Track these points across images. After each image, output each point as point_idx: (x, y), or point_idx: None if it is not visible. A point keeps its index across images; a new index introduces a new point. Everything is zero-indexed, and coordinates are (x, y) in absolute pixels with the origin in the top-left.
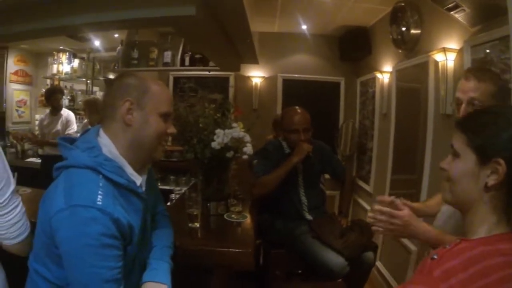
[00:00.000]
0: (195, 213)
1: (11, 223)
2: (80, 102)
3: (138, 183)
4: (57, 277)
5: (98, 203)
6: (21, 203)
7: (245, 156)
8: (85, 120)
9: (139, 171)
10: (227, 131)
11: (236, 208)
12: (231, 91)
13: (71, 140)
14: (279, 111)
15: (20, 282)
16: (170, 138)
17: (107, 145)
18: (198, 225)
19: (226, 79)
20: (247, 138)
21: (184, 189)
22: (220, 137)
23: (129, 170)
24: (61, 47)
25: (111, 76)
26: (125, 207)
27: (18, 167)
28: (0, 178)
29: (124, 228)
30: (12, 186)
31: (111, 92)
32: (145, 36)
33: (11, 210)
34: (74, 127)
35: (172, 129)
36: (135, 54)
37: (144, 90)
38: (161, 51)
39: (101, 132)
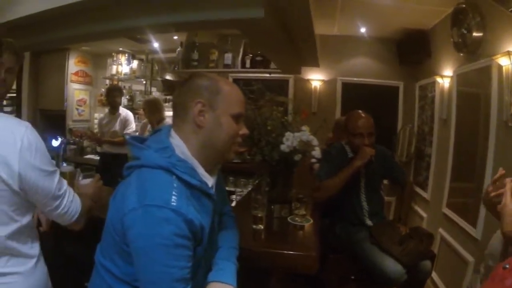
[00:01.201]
0: (259, 215)
1: (60, 213)
2: (139, 102)
3: (209, 184)
4: (125, 273)
5: (172, 203)
6: (68, 190)
7: (313, 160)
8: (144, 120)
9: (210, 172)
10: (296, 134)
11: (300, 211)
12: (290, 93)
13: (140, 139)
14: (338, 114)
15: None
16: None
17: (179, 145)
18: (262, 227)
19: (286, 81)
20: (315, 141)
21: (245, 190)
22: (290, 140)
23: (201, 171)
24: (120, 49)
25: (168, 77)
26: (197, 208)
27: (78, 163)
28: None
29: (196, 229)
30: (57, 175)
31: (182, 93)
32: (205, 38)
33: (60, 204)
34: (132, 126)
35: (244, 130)
36: (195, 55)
37: (216, 91)
38: (222, 53)
39: (173, 132)
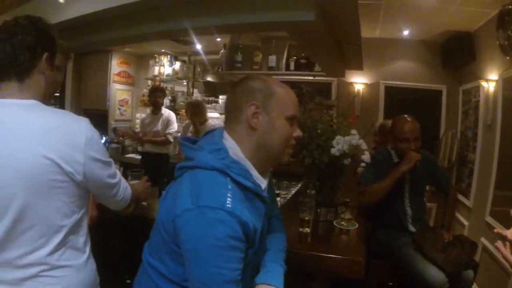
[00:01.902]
0: (307, 218)
1: (114, 199)
2: (181, 103)
3: (262, 186)
4: (174, 273)
5: (227, 205)
6: (122, 180)
7: (363, 164)
8: (187, 121)
9: (262, 174)
10: (346, 137)
11: (346, 215)
12: (333, 96)
13: (192, 140)
14: (380, 118)
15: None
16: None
17: (233, 147)
18: (308, 230)
19: (329, 84)
20: (364, 145)
21: (288, 193)
22: (340, 144)
23: (255, 173)
24: (162, 50)
25: (210, 79)
26: (250, 211)
27: (119, 162)
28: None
29: (250, 232)
30: (112, 167)
31: (236, 95)
32: (248, 40)
33: (116, 191)
34: (174, 126)
35: (298, 132)
36: (239, 57)
37: (269, 93)
38: (266, 55)
39: (226, 134)
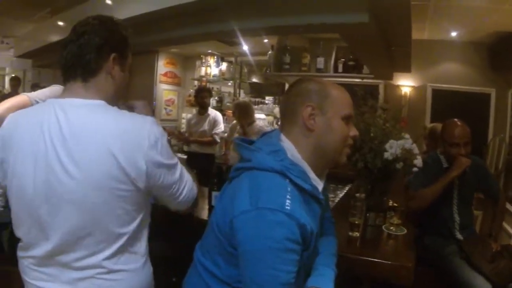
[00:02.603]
0: (357, 222)
1: (179, 201)
2: (227, 104)
3: (319, 188)
4: (226, 275)
5: (286, 207)
6: (189, 178)
7: (415, 169)
8: (234, 122)
9: (319, 176)
10: (399, 142)
11: (395, 220)
12: (380, 99)
13: (249, 141)
14: (427, 122)
15: None
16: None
17: (290, 149)
18: (358, 234)
19: (376, 87)
20: (416, 150)
21: (337, 197)
22: (394, 148)
23: (312, 175)
24: (209, 51)
25: (255, 80)
26: (307, 213)
27: None
28: (166, 171)
29: (307, 234)
30: (178, 171)
31: (291, 97)
32: (295, 41)
33: (180, 193)
34: (221, 127)
35: (354, 132)
36: (287, 59)
37: (325, 94)
38: (314, 57)
39: (282, 136)
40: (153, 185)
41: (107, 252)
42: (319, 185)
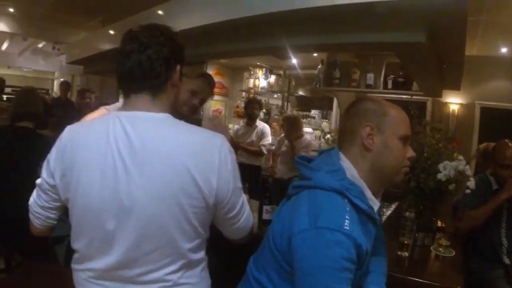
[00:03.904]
0: (406, 242)
1: (236, 228)
2: (275, 116)
3: (375, 208)
4: None
5: (345, 227)
6: (248, 207)
7: (467, 191)
8: (282, 135)
9: (375, 195)
10: (453, 163)
11: (443, 242)
12: (428, 116)
13: (307, 159)
14: (475, 141)
15: None
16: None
17: (349, 168)
18: (407, 254)
19: (424, 104)
20: (469, 171)
21: (384, 215)
22: (447, 169)
23: (369, 195)
24: (258, 63)
25: (301, 93)
26: (363, 233)
27: None
28: (232, 192)
29: (363, 254)
30: (243, 196)
31: (350, 116)
32: (345, 56)
33: (238, 219)
34: (268, 139)
35: (411, 153)
36: (337, 74)
37: (383, 114)
38: (363, 73)
39: (342, 155)
40: (220, 204)
41: (173, 267)
42: (376, 205)
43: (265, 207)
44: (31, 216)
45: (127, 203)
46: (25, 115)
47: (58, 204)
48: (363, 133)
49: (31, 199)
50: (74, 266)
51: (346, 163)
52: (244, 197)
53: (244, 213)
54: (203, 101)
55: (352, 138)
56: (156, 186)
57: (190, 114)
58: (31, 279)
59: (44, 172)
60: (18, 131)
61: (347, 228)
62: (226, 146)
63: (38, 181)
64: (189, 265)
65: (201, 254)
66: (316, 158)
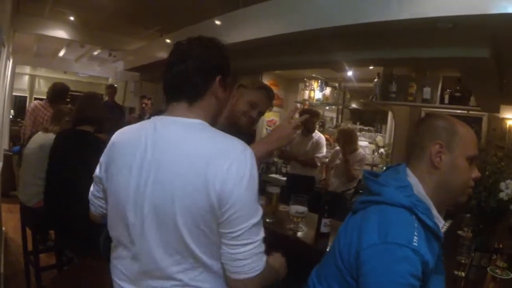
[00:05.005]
0: (463, 261)
1: (234, 257)
2: (329, 129)
3: (440, 226)
4: None
5: (414, 243)
6: (258, 243)
7: None
8: (337, 148)
9: (439, 213)
10: None
11: (501, 263)
12: (483, 132)
13: (374, 174)
14: None
15: None
16: None
17: (416, 185)
18: (463, 274)
19: (479, 119)
20: None
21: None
22: (510, 188)
23: (435, 212)
24: (313, 75)
25: (355, 106)
26: (429, 250)
27: (264, 181)
28: (239, 207)
29: (428, 271)
30: (255, 219)
31: (420, 132)
32: (401, 70)
33: (240, 245)
34: (323, 151)
35: (476, 173)
36: (393, 87)
37: (453, 132)
38: (420, 87)
39: (409, 171)
40: (223, 206)
41: (184, 266)
42: (440, 222)
43: (324, 220)
44: (90, 202)
45: (145, 199)
46: (87, 119)
47: (105, 194)
48: (432, 150)
49: (91, 187)
50: (111, 254)
51: (413, 179)
52: (259, 226)
53: (253, 249)
54: (261, 113)
55: (420, 155)
56: (169, 184)
57: (248, 126)
58: (81, 277)
59: (98, 165)
60: (80, 134)
61: (416, 244)
62: (249, 160)
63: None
64: (204, 269)
65: (219, 260)
66: (382, 173)
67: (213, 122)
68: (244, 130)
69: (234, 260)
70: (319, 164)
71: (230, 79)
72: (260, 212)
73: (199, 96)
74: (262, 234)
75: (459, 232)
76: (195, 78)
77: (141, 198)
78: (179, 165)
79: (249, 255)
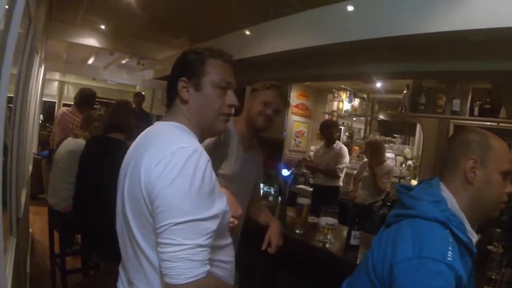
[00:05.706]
0: (493, 277)
1: (161, 257)
2: (357, 140)
3: (474, 241)
4: None
5: (448, 258)
6: (187, 247)
7: None
8: (365, 159)
9: (472, 228)
10: None
11: None
12: None
13: (407, 187)
14: None
15: None
16: None
17: (450, 199)
18: None
19: (510, 132)
20: None
21: None
22: None
23: (468, 227)
24: (342, 86)
25: (381, 117)
26: (462, 265)
27: (292, 192)
28: (161, 202)
29: (461, 286)
30: (180, 219)
31: (453, 147)
32: (431, 82)
33: (163, 244)
34: (345, 161)
35: (510, 188)
36: (422, 99)
37: (487, 146)
38: (449, 99)
39: (443, 186)
40: (152, 206)
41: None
42: (474, 237)
43: (354, 233)
44: None
45: (123, 195)
46: (117, 127)
47: None
48: (466, 165)
49: None
50: None
51: (447, 193)
52: (190, 229)
53: (180, 245)
54: (277, 111)
55: (454, 169)
56: (128, 182)
57: (266, 125)
58: (106, 281)
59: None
60: (110, 141)
61: (450, 259)
62: (183, 153)
63: None
64: (144, 259)
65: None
66: (415, 187)
67: (203, 123)
68: (262, 131)
69: (161, 260)
70: (340, 174)
71: (218, 76)
72: (193, 215)
73: (171, 100)
74: (198, 240)
75: (489, 247)
76: (168, 85)
77: (122, 195)
78: (134, 161)
79: (174, 257)
